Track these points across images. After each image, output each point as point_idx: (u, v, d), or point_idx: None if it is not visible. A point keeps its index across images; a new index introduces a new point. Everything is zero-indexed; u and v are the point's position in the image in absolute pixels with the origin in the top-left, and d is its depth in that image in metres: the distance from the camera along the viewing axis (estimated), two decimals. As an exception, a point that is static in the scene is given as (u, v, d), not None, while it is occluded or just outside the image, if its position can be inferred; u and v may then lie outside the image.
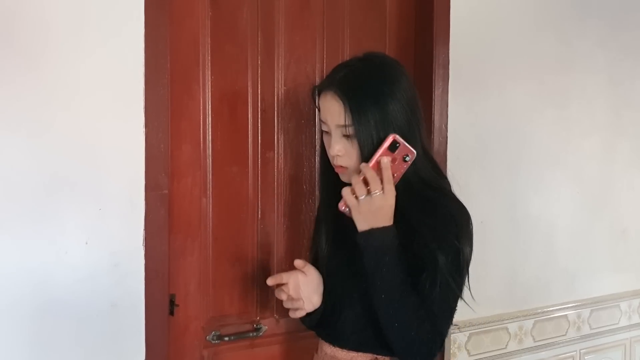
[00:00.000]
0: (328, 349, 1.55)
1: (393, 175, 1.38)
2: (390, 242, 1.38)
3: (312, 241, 1.72)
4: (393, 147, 1.40)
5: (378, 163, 1.39)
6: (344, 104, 1.43)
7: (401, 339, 1.40)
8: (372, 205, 1.37)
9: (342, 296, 1.52)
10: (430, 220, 1.43)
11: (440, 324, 1.42)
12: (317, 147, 1.95)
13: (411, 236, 1.43)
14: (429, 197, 1.47)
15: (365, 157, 1.42)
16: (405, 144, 1.40)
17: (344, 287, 1.52)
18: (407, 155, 1.40)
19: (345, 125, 1.43)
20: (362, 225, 1.39)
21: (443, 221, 1.43)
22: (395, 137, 1.40)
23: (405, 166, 1.41)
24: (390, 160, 1.39)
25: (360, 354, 1.50)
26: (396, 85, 1.45)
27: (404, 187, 1.44)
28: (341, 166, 1.49)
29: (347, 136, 1.45)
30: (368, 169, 1.38)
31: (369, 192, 1.37)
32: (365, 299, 1.45)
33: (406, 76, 1.50)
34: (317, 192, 1.95)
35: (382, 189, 1.36)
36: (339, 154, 1.47)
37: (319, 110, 1.53)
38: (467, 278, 1.47)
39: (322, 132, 1.55)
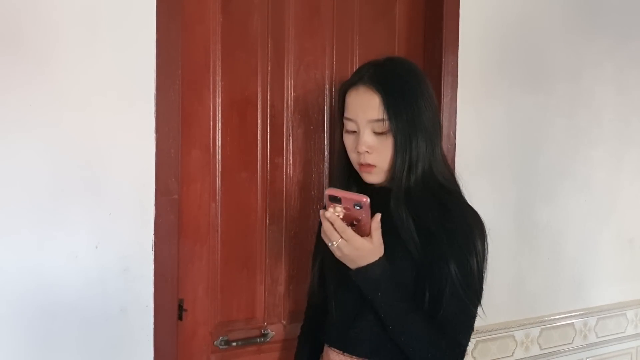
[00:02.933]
0: (336, 357, 1.55)
1: (355, 221, 1.35)
2: (378, 277, 1.37)
3: (316, 250, 1.71)
4: (334, 199, 1.34)
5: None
6: (381, 96, 1.42)
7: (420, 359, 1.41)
8: (343, 251, 1.36)
9: (356, 304, 1.50)
10: (445, 227, 1.42)
11: (457, 336, 1.42)
12: (326, 154, 1.95)
13: (428, 242, 1.43)
14: (444, 201, 1.47)
15: (400, 152, 1.42)
16: (347, 195, 1.33)
17: (358, 296, 1.49)
18: (358, 203, 1.32)
19: (381, 120, 1.43)
20: (348, 265, 1.39)
21: (460, 229, 1.43)
22: (329, 192, 1.35)
23: (365, 212, 1.33)
24: (344, 210, 1.34)
25: (370, 361, 1.50)
26: (423, 85, 1.48)
27: (421, 190, 1.45)
28: (369, 164, 1.47)
29: (378, 132, 1.44)
30: (324, 219, 1.35)
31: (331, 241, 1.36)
32: None
33: (428, 79, 1.53)
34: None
35: (340, 237, 1.34)
36: (369, 150, 1.45)
37: (343, 109, 1.52)
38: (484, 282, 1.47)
39: (340, 134, 1.54)
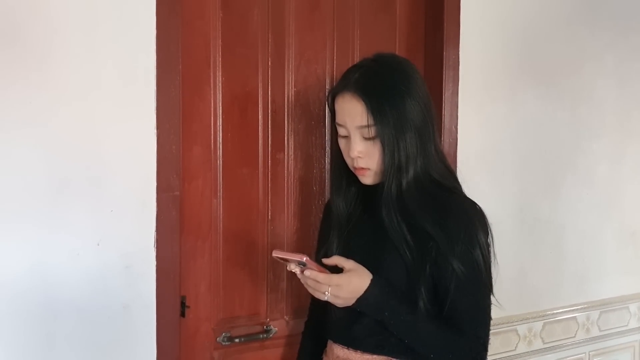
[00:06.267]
0: (340, 351, 1.54)
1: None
2: (379, 298, 1.39)
3: (318, 245, 1.71)
4: (284, 260, 1.38)
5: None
6: (365, 104, 1.43)
7: None
8: (340, 296, 1.38)
9: None
10: (445, 224, 1.42)
11: (475, 331, 1.43)
12: (327, 149, 1.95)
13: (427, 242, 1.42)
14: (441, 198, 1.46)
15: (388, 155, 1.42)
16: (289, 257, 1.36)
17: None
18: (301, 262, 1.35)
19: (367, 126, 1.43)
20: (351, 304, 1.40)
21: (460, 224, 1.42)
22: (275, 255, 1.37)
23: (313, 266, 1.36)
24: (300, 269, 1.37)
25: (375, 356, 1.48)
26: (412, 83, 1.47)
27: (415, 190, 1.44)
28: (362, 168, 1.48)
29: (367, 138, 1.44)
30: (305, 279, 1.38)
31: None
32: None
33: (418, 74, 1.52)
34: (327, 194, 1.94)
35: (329, 289, 1.36)
36: (360, 155, 1.46)
37: (333, 114, 1.52)
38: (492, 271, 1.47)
39: (335, 136, 1.54)
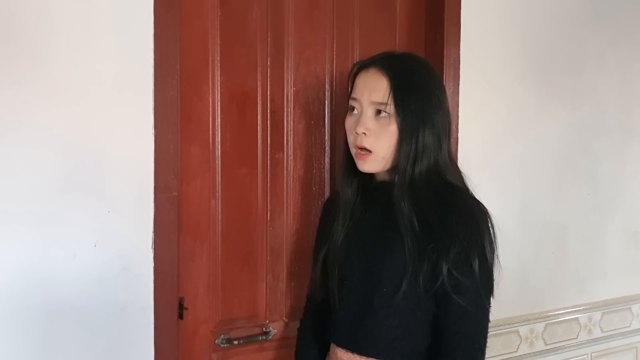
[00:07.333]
0: (344, 355, 1.52)
1: None
2: None
3: (316, 245, 1.69)
4: None
5: None
6: (389, 81, 1.42)
7: None
8: None
9: (360, 302, 1.48)
10: (447, 220, 1.39)
11: (469, 333, 1.40)
12: (327, 148, 1.93)
13: (428, 238, 1.40)
14: (446, 195, 1.44)
15: (405, 141, 1.41)
16: None
17: (364, 294, 1.48)
18: None
19: (385, 103, 1.42)
20: None
21: (459, 219, 1.40)
22: None
23: None
24: None
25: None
26: (437, 83, 1.48)
27: (425, 183, 1.42)
28: (364, 148, 1.45)
29: (380, 113, 1.43)
30: None
31: None
32: (386, 305, 1.43)
33: (443, 86, 1.52)
34: (326, 194, 1.93)
35: None
36: (366, 132, 1.44)
37: (350, 89, 1.50)
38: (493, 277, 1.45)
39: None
